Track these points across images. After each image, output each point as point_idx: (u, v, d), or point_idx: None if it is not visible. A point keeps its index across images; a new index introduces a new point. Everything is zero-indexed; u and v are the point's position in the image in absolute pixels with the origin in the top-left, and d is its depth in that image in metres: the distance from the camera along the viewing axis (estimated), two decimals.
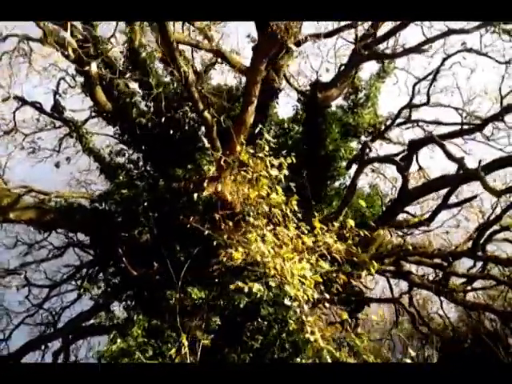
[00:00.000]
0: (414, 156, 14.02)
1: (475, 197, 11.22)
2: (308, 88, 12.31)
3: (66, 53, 10.96)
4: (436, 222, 14.27)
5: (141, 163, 11.15)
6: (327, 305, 5.74)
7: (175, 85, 10.63)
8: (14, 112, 11.89)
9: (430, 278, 14.57)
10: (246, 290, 4.74)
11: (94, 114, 11.57)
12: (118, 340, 8.34)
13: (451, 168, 10.87)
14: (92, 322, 12.55)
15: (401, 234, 14.73)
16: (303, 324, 4.98)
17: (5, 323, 16.01)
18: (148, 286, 9.12)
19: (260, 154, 5.54)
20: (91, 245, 11.35)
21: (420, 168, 15.39)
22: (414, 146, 9.12)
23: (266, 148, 5.62)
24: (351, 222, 6.27)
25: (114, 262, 9.93)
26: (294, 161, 5.59)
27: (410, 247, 11.43)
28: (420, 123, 13.89)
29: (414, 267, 15.21)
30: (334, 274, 6.49)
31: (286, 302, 5.03)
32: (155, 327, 8.46)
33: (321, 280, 5.60)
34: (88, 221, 9.92)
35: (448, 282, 13.44)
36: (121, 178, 10.15)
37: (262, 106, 9.88)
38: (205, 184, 5.52)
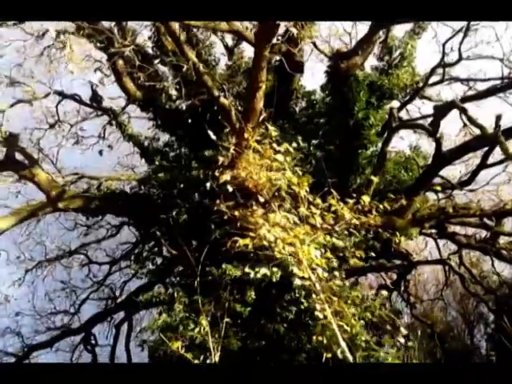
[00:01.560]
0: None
1: None
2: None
3: (99, 45, 11.49)
4: (483, 179, 13.84)
5: (176, 146, 11.58)
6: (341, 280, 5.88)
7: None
8: (57, 106, 12.61)
9: (480, 236, 14.27)
10: (252, 275, 5.03)
11: (126, 101, 12.04)
12: (164, 315, 9.02)
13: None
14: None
15: (444, 195, 14.42)
16: (314, 302, 5.23)
17: (74, 298, 17.53)
18: (188, 264, 9.65)
19: (266, 141, 5.70)
20: (136, 227, 12.06)
21: (464, 125, 14.83)
22: (440, 112, 8.86)
23: (273, 134, 5.76)
24: (366, 199, 6.35)
25: (157, 243, 10.56)
26: (302, 144, 5.71)
27: (451, 209, 11.21)
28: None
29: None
30: (353, 249, 6.66)
31: (297, 281, 5.27)
32: (196, 302, 9.03)
33: (332, 257, 5.80)
34: (130, 205, 10.57)
35: (496, 240, 13.07)
36: (156, 162, 10.64)
37: (285, 81, 9.94)
38: (216, 173, 5.78)
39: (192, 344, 6.72)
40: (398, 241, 10.78)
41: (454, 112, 13.83)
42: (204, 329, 5.39)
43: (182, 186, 10.21)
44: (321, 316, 5.05)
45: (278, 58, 10.43)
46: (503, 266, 16.44)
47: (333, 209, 6.38)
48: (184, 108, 10.63)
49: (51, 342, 16.35)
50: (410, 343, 4.80)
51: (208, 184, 6.41)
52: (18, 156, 10.79)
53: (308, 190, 6.03)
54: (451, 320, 18.60)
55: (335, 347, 4.75)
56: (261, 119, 6.44)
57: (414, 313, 16.25)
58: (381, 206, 6.84)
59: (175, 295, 8.87)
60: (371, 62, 14.27)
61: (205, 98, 9.79)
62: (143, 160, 13.26)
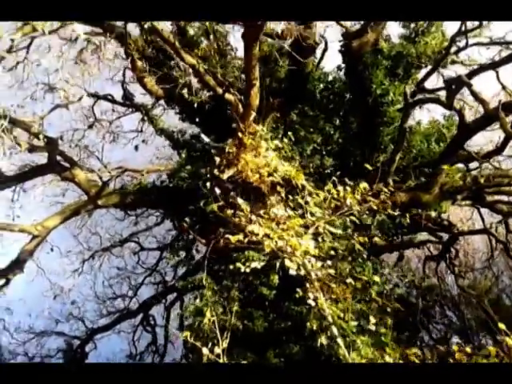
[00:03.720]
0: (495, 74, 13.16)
1: None
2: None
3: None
4: None
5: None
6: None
7: (217, 58, 11.04)
8: (92, 107, 13.38)
9: None
10: (242, 269, 5.38)
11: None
12: (197, 300, 9.65)
13: None
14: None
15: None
16: (307, 291, 5.51)
17: (131, 283, 18.80)
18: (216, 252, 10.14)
19: (257, 139, 5.94)
20: (170, 218, 12.70)
21: (503, 88, 14.16)
22: (452, 86, 8.61)
23: (264, 132, 5.99)
24: (363, 185, 6.46)
25: (189, 233, 11.12)
26: (293, 138, 5.90)
27: (482, 180, 10.88)
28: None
29: None
30: (355, 235, 6.81)
31: (291, 272, 5.54)
32: (225, 287, 9.55)
33: (329, 245, 6.02)
34: (162, 198, 11.19)
35: None
36: (183, 155, 11.12)
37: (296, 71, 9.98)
38: (215, 171, 6.08)
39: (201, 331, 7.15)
40: (430, 215, 10.79)
41: (491, 74, 13.35)
42: (210, 320, 5.82)
43: (208, 176, 10.63)
44: (313, 304, 5.33)
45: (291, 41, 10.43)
46: None
47: (336, 197, 6.57)
48: (200, 102, 10.90)
49: (113, 324, 17.71)
50: (382, 330, 4.96)
51: (208, 184, 6.75)
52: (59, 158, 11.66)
53: (304, 183, 6.23)
54: (503, 288, 18.07)
55: (324, 334, 5.03)
56: (252, 118, 6.63)
57: (460, 284, 15.95)
58: (385, 190, 6.93)
59: (204, 282, 9.41)
60: (399, 30, 13.93)
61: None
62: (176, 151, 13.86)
